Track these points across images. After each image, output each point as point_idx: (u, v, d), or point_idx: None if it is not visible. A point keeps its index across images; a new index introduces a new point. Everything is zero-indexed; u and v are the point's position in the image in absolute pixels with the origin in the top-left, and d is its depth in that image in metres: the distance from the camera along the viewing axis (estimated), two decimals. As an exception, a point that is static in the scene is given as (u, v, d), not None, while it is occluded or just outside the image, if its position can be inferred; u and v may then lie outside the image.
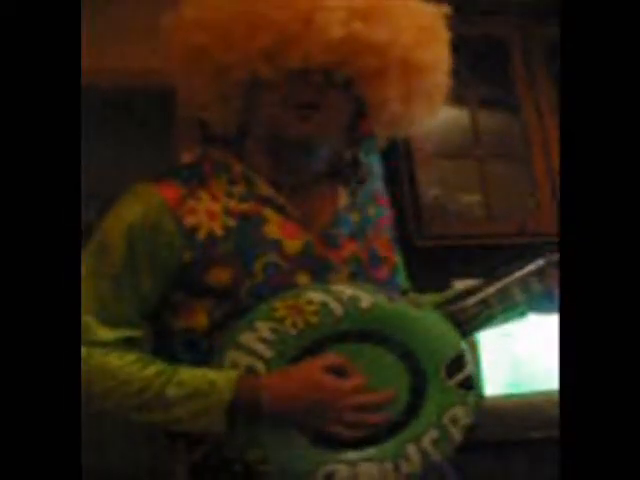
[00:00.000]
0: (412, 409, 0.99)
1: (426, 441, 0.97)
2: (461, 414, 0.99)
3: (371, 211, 1.15)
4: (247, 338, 0.95)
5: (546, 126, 2.35)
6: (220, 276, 0.99)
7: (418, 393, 0.99)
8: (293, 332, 0.96)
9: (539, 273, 1.08)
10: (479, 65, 2.39)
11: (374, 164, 1.18)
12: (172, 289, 1.02)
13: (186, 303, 1.01)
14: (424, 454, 0.97)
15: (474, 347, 2.10)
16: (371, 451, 0.96)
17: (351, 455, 0.96)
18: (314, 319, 0.96)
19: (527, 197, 2.32)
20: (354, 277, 1.06)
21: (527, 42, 2.43)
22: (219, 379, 0.95)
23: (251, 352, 0.95)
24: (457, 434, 0.99)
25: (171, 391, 0.95)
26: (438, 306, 1.05)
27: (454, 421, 0.99)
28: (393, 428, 0.98)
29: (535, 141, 2.35)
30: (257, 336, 0.95)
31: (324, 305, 0.96)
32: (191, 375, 0.96)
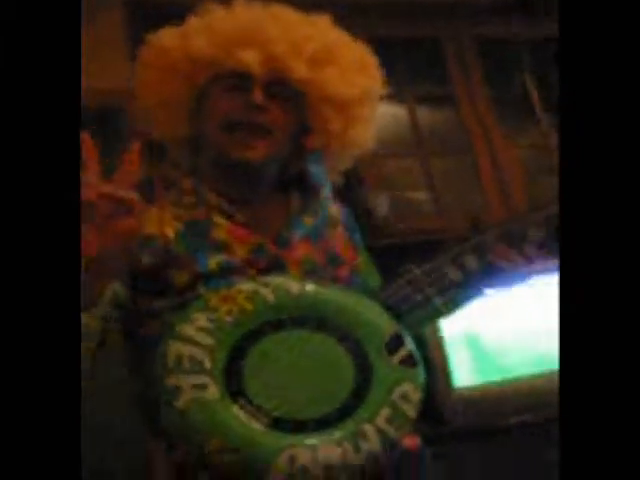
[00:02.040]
0: (360, 390, 1.02)
1: (380, 420, 1.01)
2: (410, 390, 1.03)
3: (325, 215, 1.22)
4: (186, 329, 1.00)
5: (484, 119, 2.47)
6: (179, 277, 1.07)
7: (364, 374, 1.03)
8: (230, 319, 1.00)
9: (475, 249, 1.11)
10: (414, 63, 2.50)
11: (321, 174, 1.23)
12: (138, 294, 1.08)
13: (150, 305, 1.08)
14: (381, 432, 1.01)
15: (440, 342, 2.17)
16: (329, 433, 0.99)
17: (310, 439, 0.99)
18: (248, 306, 1.00)
19: (474, 190, 2.42)
20: (308, 277, 1.10)
21: (459, 39, 2.55)
22: None
23: (192, 342, 0.99)
24: (410, 410, 1.03)
25: None
26: (370, 292, 1.10)
27: (404, 397, 1.02)
28: (346, 410, 1.01)
29: (475, 134, 2.46)
30: (195, 326, 1.00)
31: (255, 293, 1.01)
32: None
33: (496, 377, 2.21)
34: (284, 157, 1.18)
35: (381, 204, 2.24)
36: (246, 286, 1.02)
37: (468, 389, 2.16)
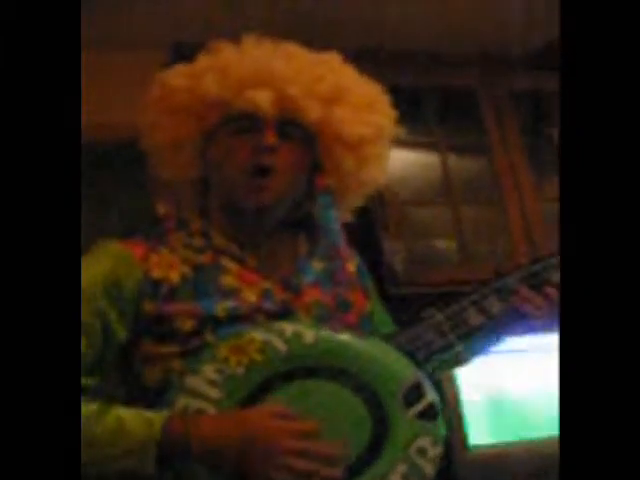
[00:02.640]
0: (376, 443, 0.99)
1: (395, 476, 0.97)
2: (428, 445, 0.99)
3: (334, 260, 1.19)
4: (194, 382, 0.98)
5: (516, 169, 2.47)
6: (185, 323, 1.04)
7: (381, 426, 0.99)
8: (240, 371, 0.98)
9: (498, 292, 1.09)
10: (447, 112, 2.51)
11: (332, 218, 1.20)
12: (141, 340, 1.06)
13: (155, 351, 1.05)
14: None
15: (456, 398, 2.14)
16: None
17: None
18: (258, 357, 0.98)
19: (501, 241, 2.40)
20: (318, 322, 1.08)
21: (494, 90, 2.56)
22: (152, 418, 0.96)
23: (199, 395, 0.97)
24: (427, 466, 0.99)
25: (103, 429, 0.96)
26: (388, 337, 1.06)
27: (422, 453, 0.99)
28: (361, 465, 0.98)
29: (506, 184, 2.45)
30: (203, 378, 0.98)
31: (267, 343, 0.99)
32: (125, 414, 0.98)
33: (513, 437, 2.16)
34: (294, 198, 1.17)
35: (397, 261, 2.22)
36: (258, 335, 1.00)
37: (484, 448, 2.11)
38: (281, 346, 0.99)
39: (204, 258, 1.11)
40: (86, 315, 1.03)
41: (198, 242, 1.13)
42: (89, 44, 1.35)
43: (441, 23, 2.43)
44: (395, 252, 2.26)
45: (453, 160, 2.50)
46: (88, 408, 0.97)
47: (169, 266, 1.09)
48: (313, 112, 1.11)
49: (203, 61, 1.16)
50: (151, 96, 1.18)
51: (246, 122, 1.11)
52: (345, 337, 1.04)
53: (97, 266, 1.08)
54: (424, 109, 2.49)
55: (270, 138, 1.09)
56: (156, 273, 1.07)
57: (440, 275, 2.29)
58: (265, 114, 1.09)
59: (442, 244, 2.40)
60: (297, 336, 1.00)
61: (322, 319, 1.10)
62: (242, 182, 1.10)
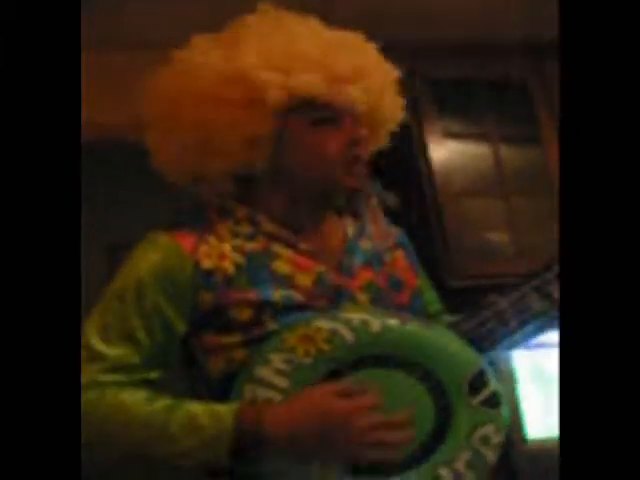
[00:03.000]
0: (440, 431, 1.00)
1: (459, 463, 0.99)
2: (491, 433, 1.01)
3: (384, 238, 1.20)
4: (262, 371, 0.99)
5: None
6: (242, 313, 1.04)
7: (444, 414, 1.01)
8: (307, 361, 0.99)
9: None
10: (500, 104, 2.50)
11: (378, 194, 1.24)
12: (201, 330, 1.06)
13: (216, 341, 1.05)
14: (459, 476, 0.99)
15: (513, 392, 2.13)
16: (407, 477, 0.98)
17: None
18: (326, 346, 0.99)
19: (554, 231, 2.38)
20: (373, 303, 1.10)
21: (546, 80, 2.54)
22: (222, 410, 0.97)
23: (267, 384, 0.99)
24: (490, 454, 1.01)
25: (175, 424, 0.97)
26: (452, 324, 1.07)
27: (485, 440, 1.00)
28: (424, 451, 1.00)
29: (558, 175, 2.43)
30: (272, 368, 0.99)
31: (334, 332, 0.99)
32: (196, 408, 0.99)
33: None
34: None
35: (452, 252, 2.21)
36: (325, 324, 1.00)
37: (541, 441, 2.11)
38: (348, 335, 1.00)
39: (254, 245, 1.10)
40: (144, 312, 1.04)
41: (246, 229, 1.12)
42: (89, 44, 1.36)
43: (491, 13, 2.41)
44: (449, 244, 2.27)
45: (505, 151, 2.49)
46: (159, 403, 1.00)
47: (220, 256, 1.08)
48: (389, 106, 1.18)
49: (248, 43, 1.09)
50: (219, 89, 1.08)
51: (326, 112, 1.10)
52: (412, 326, 1.04)
53: (148, 261, 1.08)
54: (476, 100, 2.49)
55: (363, 131, 1.12)
56: (207, 263, 1.06)
57: (494, 267, 2.29)
58: (360, 110, 1.12)
59: (495, 236, 2.40)
60: (364, 325, 1.01)
61: (376, 300, 1.11)
62: (340, 170, 1.11)
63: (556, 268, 1.08)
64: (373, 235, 1.19)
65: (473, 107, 2.48)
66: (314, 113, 1.10)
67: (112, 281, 1.10)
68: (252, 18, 1.14)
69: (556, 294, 1.07)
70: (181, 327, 1.07)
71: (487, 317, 1.06)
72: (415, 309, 1.16)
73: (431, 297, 1.29)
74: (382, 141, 1.24)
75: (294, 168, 1.13)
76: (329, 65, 1.08)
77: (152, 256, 1.08)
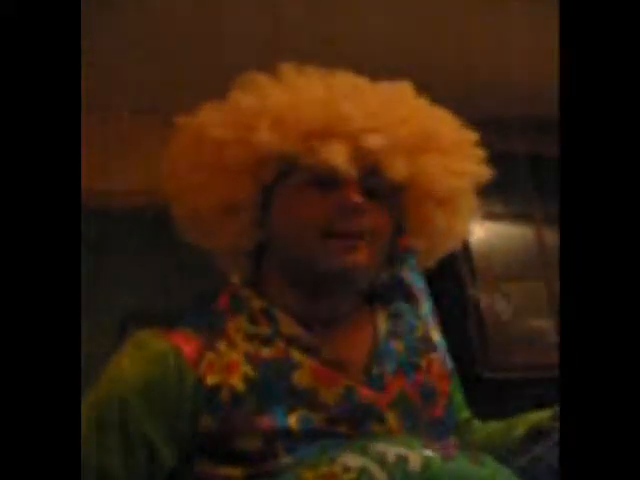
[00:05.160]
0: None
1: None
2: None
3: (418, 337, 1.03)
4: None
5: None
6: (250, 442, 0.85)
7: None
8: None
9: None
10: (545, 183, 2.45)
11: (416, 283, 1.07)
12: (195, 458, 0.87)
13: (214, 472, 0.87)
14: None
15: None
16: None
17: None
18: None
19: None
20: (403, 421, 0.92)
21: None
22: None
23: None
24: None
25: None
26: (506, 454, 0.91)
27: None
28: None
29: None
30: None
31: (364, 471, 0.80)
32: None
33: None
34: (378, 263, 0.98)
35: (498, 331, 2.13)
36: (353, 461, 0.81)
37: None
38: (380, 475, 0.81)
39: (271, 352, 0.91)
40: (126, 445, 0.86)
41: (262, 330, 0.93)
42: (89, 108, 1.29)
43: (532, 84, 2.39)
44: (487, 331, 2.18)
45: (548, 232, 2.42)
46: None
47: (229, 368, 0.88)
48: (399, 165, 0.93)
49: (246, 101, 0.96)
50: (185, 152, 0.99)
51: (318, 176, 0.92)
52: (458, 462, 0.85)
53: (136, 374, 0.88)
54: (516, 177, 2.45)
55: (354, 198, 0.91)
56: (213, 379, 0.87)
57: (537, 358, 2.19)
58: (345, 174, 0.91)
59: (539, 323, 2.30)
60: (401, 462, 0.83)
61: (406, 417, 0.93)
62: (328, 244, 0.91)
63: None
64: (408, 331, 1.02)
65: (513, 186, 2.43)
66: (302, 175, 0.93)
67: (90, 393, 0.90)
68: (256, 77, 1.00)
69: None
70: (170, 460, 0.87)
71: (545, 449, 0.92)
72: (449, 423, 0.99)
73: (459, 401, 1.11)
74: (443, 224, 1.00)
75: (277, 242, 0.97)
76: (294, 115, 0.92)
77: (141, 367, 0.88)
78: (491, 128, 2.34)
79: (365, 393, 0.92)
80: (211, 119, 0.96)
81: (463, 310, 2.25)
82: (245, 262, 1.03)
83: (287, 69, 1.00)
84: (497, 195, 2.41)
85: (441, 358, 1.06)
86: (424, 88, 1.00)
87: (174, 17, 2.06)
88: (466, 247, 2.35)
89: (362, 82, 1.01)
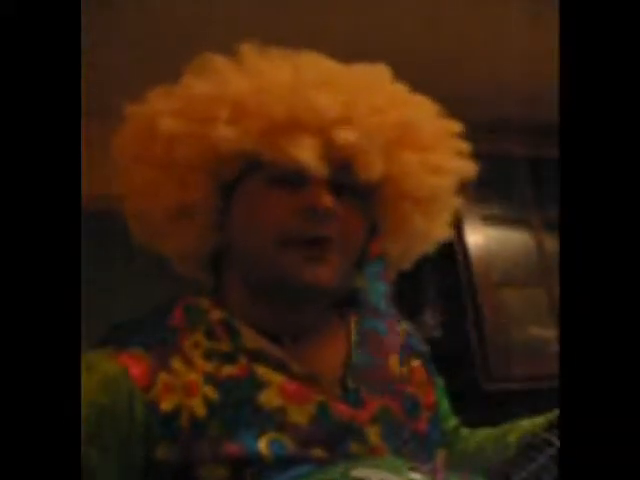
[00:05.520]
0: None
1: None
2: None
3: (395, 343, 0.95)
4: None
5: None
6: (216, 471, 0.76)
7: None
8: None
9: None
10: (543, 187, 2.42)
11: (382, 291, 1.00)
12: None
13: None
14: None
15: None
16: None
17: None
18: None
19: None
20: (385, 438, 0.84)
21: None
22: None
23: None
24: None
25: None
26: (502, 468, 0.81)
27: None
28: None
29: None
30: None
31: None
32: None
33: None
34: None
35: (491, 351, 2.07)
36: None
37: None
38: None
39: (234, 369, 0.81)
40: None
41: (222, 345, 0.83)
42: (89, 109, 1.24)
43: (532, 88, 2.36)
44: (486, 340, 2.14)
45: (549, 238, 2.38)
46: None
47: (186, 390, 0.78)
48: (374, 161, 0.83)
49: (201, 87, 0.85)
50: (133, 145, 0.88)
51: (282, 173, 0.82)
52: None
53: (84, 402, 0.74)
54: (516, 181, 2.41)
55: (324, 199, 0.81)
56: (169, 403, 0.77)
57: (538, 368, 2.15)
58: (314, 172, 0.81)
59: (539, 331, 2.26)
60: None
61: (390, 434, 0.85)
62: (288, 253, 0.81)
63: None
64: (384, 338, 0.95)
65: (513, 190, 2.40)
66: (263, 172, 0.83)
67: None
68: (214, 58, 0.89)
69: None
70: None
71: (542, 466, 0.81)
72: (435, 436, 0.92)
73: (445, 410, 1.04)
74: (421, 226, 0.92)
75: (236, 248, 0.87)
76: (265, 113, 0.82)
77: (89, 394, 0.76)
78: (489, 130, 2.31)
79: (341, 409, 0.83)
80: (161, 108, 0.85)
81: (461, 315, 2.20)
82: (203, 268, 0.93)
83: (247, 50, 0.88)
84: (496, 199, 2.37)
85: (423, 364, 0.98)
86: (420, 88, 0.95)
87: (174, 17, 2.02)
88: (464, 252, 2.31)
89: (332, 65, 0.90)
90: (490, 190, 2.34)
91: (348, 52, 0.93)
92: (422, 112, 0.91)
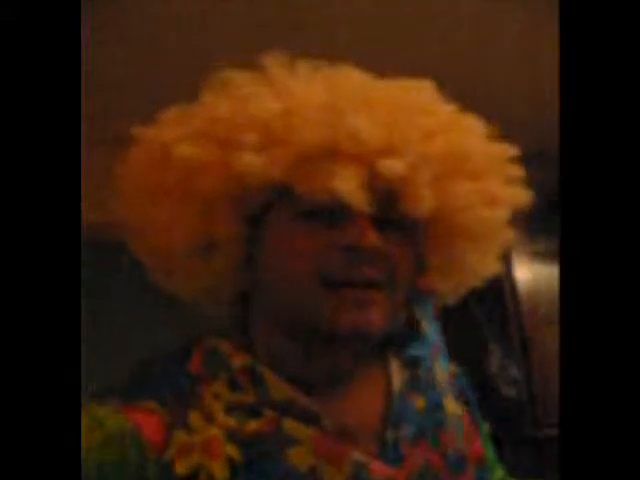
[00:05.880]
0: None
1: None
2: None
3: (439, 392, 0.84)
4: None
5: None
6: None
7: None
8: None
9: None
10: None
11: (434, 332, 0.90)
12: None
13: None
14: None
15: None
16: None
17: None
18: None
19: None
20: None
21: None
22: None
23: None
24: None
25: None
26: None
27: None
28: None
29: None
30: None
31: None
32: None
33: None
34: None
35: (539, 397, 1.99)
36: None
37: None
38: None
39: (260, 424, 0.72)
40: None
41: (247, 396, 0.74)
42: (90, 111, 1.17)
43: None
44: (535, 384, 2.04)
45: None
46: None
47: (206, 449, 0.70)
48: (424, 194, 0.74)
49: (223, 108, 0.75)
50: (143, 173, 0.79)
51: (320, 206, 0.73)
52: None
53: (87, 462, 0.68)
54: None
55: (370, 236, 0.71)
56: (185, 464, 0.69)
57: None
58: (355, 206, 0.71)
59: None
60: None
61: None
62: (332, 296, 0.72)
63: None
64: (427, 384, 0.84)
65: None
66: (295, 206, 0.74)
67: None
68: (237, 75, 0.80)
69: None
70: None
71: None
72: None
73: (492, 459, 0.92)
74: (473, 262, 0.84)
75: (267, 288, 0.78)
76: (298, 139, 0.72)
77: (94, 453, 0.69)
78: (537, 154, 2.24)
79: (378, 470, 0.73)
80: (176, 132, 0.76)
81: (509, 357, 2.13)
82: (226, 306, 0.84)
83: (272, 63, 0.79)
84: (542, 233, 2.31)
85: (469, 410, 0.88)
86: (469, 108, 0.86)
87: (174, 17, 1.93)
88: (513, 288, 2.25)
89: (370, 81, 0.80)
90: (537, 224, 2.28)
91: (382, 65, 0.84)
92: (474, 136, 0.81)
